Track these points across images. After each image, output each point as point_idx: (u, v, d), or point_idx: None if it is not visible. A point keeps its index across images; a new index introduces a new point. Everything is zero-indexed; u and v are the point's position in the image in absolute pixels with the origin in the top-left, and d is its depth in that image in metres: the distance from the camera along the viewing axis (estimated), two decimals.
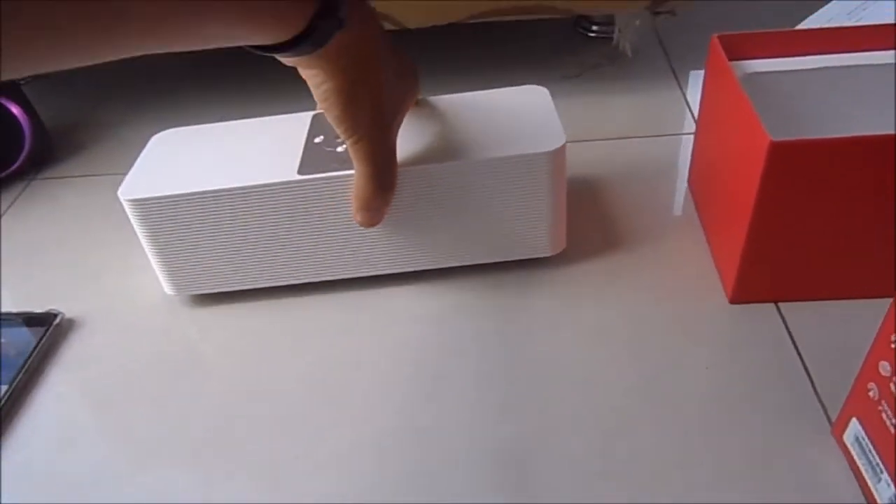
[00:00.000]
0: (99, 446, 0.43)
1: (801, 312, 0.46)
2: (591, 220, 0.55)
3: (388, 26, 0.64)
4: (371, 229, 0.48)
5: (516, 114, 0.49)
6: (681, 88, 0.70)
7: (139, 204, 0.46)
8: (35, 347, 0.49)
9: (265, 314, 0.51)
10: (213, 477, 0.41)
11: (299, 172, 0.46)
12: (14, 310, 0.53)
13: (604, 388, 0.43)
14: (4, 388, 0.47)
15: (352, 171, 0.45)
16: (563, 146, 0.46)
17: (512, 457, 0.40)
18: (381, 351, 0.47)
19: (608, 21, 0.78)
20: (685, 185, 0.58)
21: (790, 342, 0.45)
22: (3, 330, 0.51)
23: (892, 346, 0.33)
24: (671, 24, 0.79)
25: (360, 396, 0.44)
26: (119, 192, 0.47)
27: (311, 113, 0.53)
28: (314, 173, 0.46)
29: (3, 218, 0.64)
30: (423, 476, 0.40)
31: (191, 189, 0.46)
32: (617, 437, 0.41)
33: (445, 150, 0.46)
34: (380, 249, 0.49)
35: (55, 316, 0.51)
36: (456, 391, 0.44)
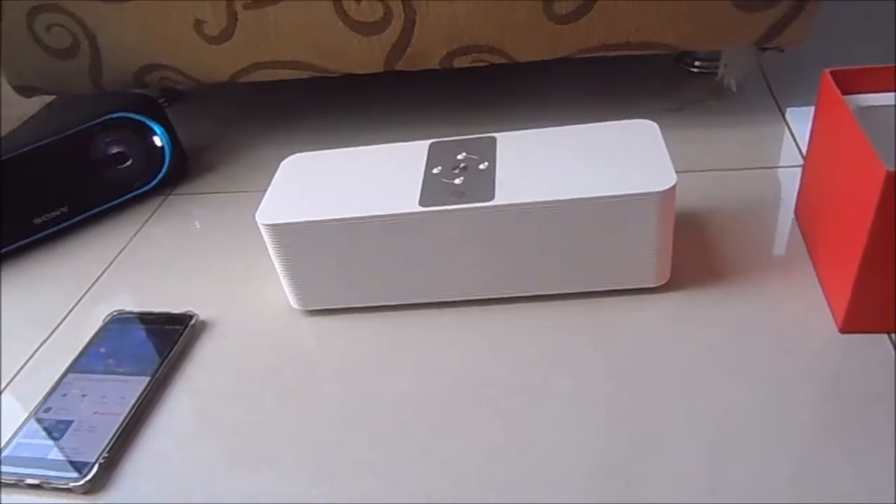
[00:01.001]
0: (223, 441, 0.48)
1: None
2: (696, 251, 0.56)
3: (499, 60, 0.68)
4: (482, 258, 0.51)
5: (627, 149, 0.52)
6: (786, 122, 0.70)
7: (275, 228, 0.51)
8: (175, 343, 0.54)
9: (382, 328, 0.54)
10: (322, 481, 0.44)
11: (420, 204, 0.50)
12: (156, 309, 0.58)
13: (708, 411, 0.44)
14: (148, 378, 0.52)
15: (469, 206, 0.48)
16: (674, 186, 0.48)
17: (617, 473, 0.42)
18: (493, 367, 0.50)
19: (711, 57, 0.79)
20: (791, 216, 0.58)
21: None
22: (149, 326, 0.57)
23: None
24: (774, 59, 0.80)
25: (468, 410, 0.47)
26: (256, 217, 0.52)
27: (428, 142, 0.57)
28: (434, 206, 0.49)
29: (144, 228, 0.70)
30: (529, 490, 0.42)
31: (321, 217, 0.50)
32: (722, 458, 0.41)
33: (559, 186, 0.49)
34: (495, 275, 0.52)
35: (191, 317, 0.57)
36: (564, 407, 0.46)
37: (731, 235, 0.57)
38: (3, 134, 0.74)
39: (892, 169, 0.40)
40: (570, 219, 0.49)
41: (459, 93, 0.84)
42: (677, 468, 0.41)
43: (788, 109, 0.72)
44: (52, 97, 0.82)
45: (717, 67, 0.77)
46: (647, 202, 0.48)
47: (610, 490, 0.41)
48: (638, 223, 0.49)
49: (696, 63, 0.81)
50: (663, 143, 0.52)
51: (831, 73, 0.49)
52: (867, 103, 0.49)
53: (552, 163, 0.52)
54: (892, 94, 0.50)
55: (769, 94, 0.76)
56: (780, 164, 0.64)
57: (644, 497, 0.40)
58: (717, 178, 0.64)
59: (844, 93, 0.50)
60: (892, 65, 0.49)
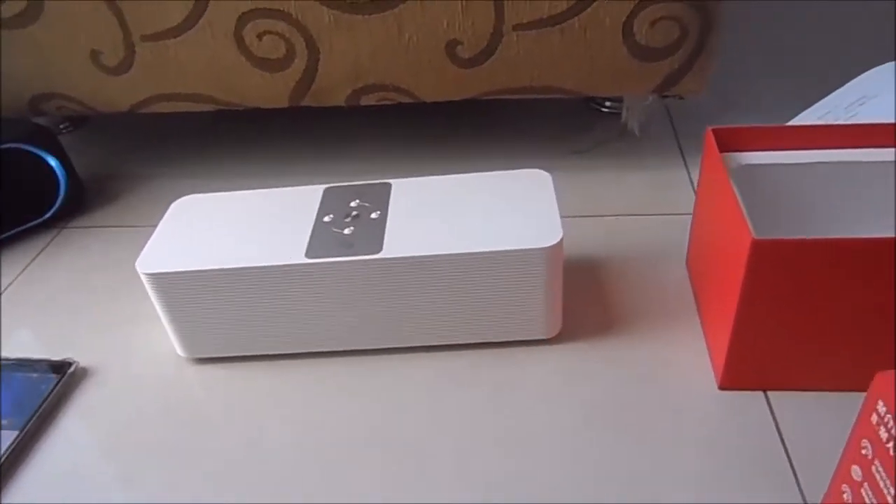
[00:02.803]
0: (100, 493, 0.45)
1: (789, 401, 0.47)
2: (589, 300, 0.57)
3: (405, 99, 0.67)
4: (370, 310, 0.50)
5: (518, 201, 0.52)
6: (687, 169, 0.72)
7: (156, 278, 0.49)
8: (49, 393, 0.52)
9: (270, 376, 0.53)
10: None
11: (307, 255, 0.49)
12: (34, 356, 0.56)
13: (588, 468, 0.44)
14: (16, 432, 0.49)
15: (356, 258, 0.48)
16: (560, 241, 0.48)
17: None
18: (376, 416, 0.49)
19: (618, 98, 0.80)
20: (683, 266, 0.59)
21: (776, 431, 0.45)
22: (22, 375, 0.54)
23: (863, 451, 0.33)
24: (681, 104, 0.82)
25: (351, 460, 0.46)
26: (136, 265, 0.50)
27: (323, 187, 0.56)
28: (320, 258, 0.48)
29: (34, 263, 0.67)
30: None
31: (204, 266, 0.49)
32: None
33: (446, 239, 0.48)
34: (380, 327, 0.51)
35: (70, 364, 0.54)
36: (445, 463, 0.45)
37: (626, 284, 0.58)
38: None
39: (760, 236, 0.40)
40: (456, 272, 0.48)
41: (367, 134, 0.84)
42: None
43: (691, 154, 0.74)
44: None
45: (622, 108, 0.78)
46: (534, 257, 0.48)
47: None
48: (525, 277, 0.49)
49: (607, 104, 0.82)
50: (553, 195, 0.52)
51: (713, 130, 0.50)
52: (748, 161, 0.50)
53: (442, 214, 0.51)
54: (776, 153, 0.51)
55: (674, 138, 0.77)
56: (678, 212, 0.65)
57: None
58: (616, 224, 0.65)
59: (728, 150, 0.51)
60: (773, 126, 0.51)
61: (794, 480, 0.42)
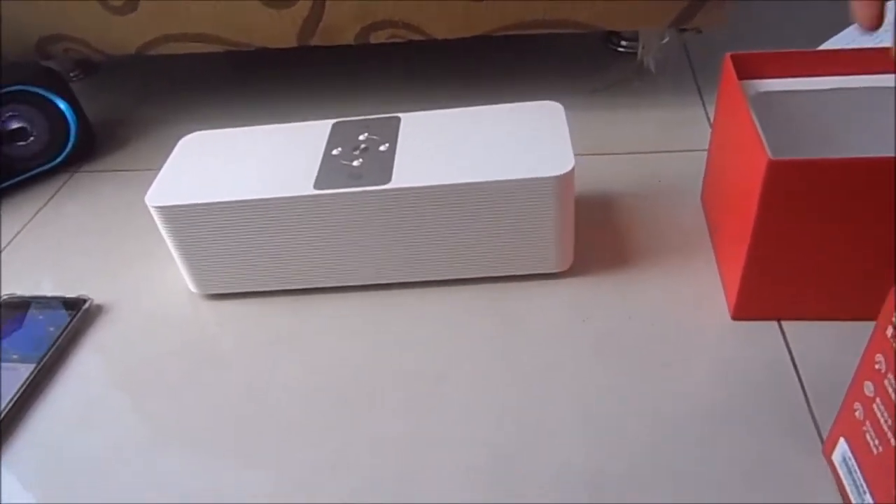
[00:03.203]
0: (113, 426, 0.46)
1: (803, 331, 0.46)
2: (604, 235, 0.56)
3: (415, 36, 0.66)
4: (380, 243, 0.50)
5: (530, 132, 0.51)
6: (703, 105, 0.70)
7: (165, 211, 0.49)
8: (64, 329, 0.52)
9: (282, 311, 0.53)
10: (219, 463, 0.43)
11: (315, 187, 0.48)
12: (50, 293, 0.56)
13: (600, 398, 0.44)
14: (34, 365, 0.50)
15: (365, 189, 0.47)
16: (572, 170, 0.47)
17: (504, 460, 0.41)
18: (389, 350, 0.49)
19: (637, 37, 0.78)
20: (698, 201, 0.58)
21: (790, 360, 0.45)
22: (40, 311, 0.54)
23: (876, 366, 0.33)
24: (700, 40, 0.79)
25: (365, 394, 0.46)
26: (146, 199, 0.50)
27: (331, 121, 0.55)
28: (329, 188, 0.48)
29: (46, 207, 0.67)
30: (413, 474, 0.41)
31: (213, 199, 0.48)
32: (609, 446, 0.41)
33: (456, 169, 0.48)
34: (394, 260, 0.51)
35: (85, 301, 0.55)
36: (459, 393, 0.45)
37: (640, 219, 0.57)
38: None
39: (774, 157, 0.39)
40: (466, 203, 0.48)
41: (378, 74, 0.82)
42: (565, 460, 0.41)
43: (709, 91, 0.72)
44: None
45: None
46: (544, 186, 0.47)
47: (495, 482, 0.40)
48: (536, 208, 0.48)
49: (623, 43, 0.80)
50: (565, 125, 0.51)
51: (732, 56, 0.49)
52: (765, 89, 0.49)
53: (453, 145, 0.50)
54: (793, 79, 0.50)
55: (691, 75, 0.75)
56: (694, 148, 0.64)
57: (526, 486, 0.40)
58: (633, 160, 0.64)
59: (746, 77, 0.49)
60: (792, 50, 0.49)
61: (806, 408, 0.42)
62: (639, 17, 0.62)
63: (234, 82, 0.84)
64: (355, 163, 0.50)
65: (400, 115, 0.55)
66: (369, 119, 0.55)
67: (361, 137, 0.53)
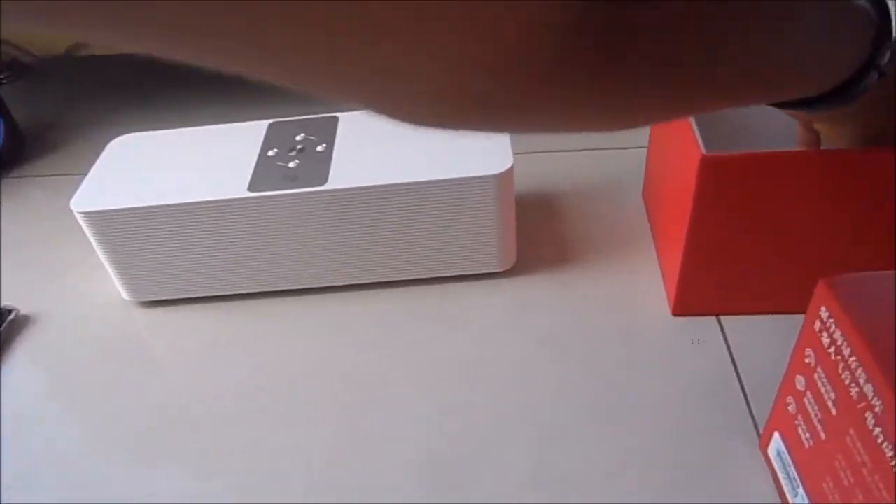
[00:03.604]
0: (43, 436, 0.44)
1: (741, 326, 0.47)
2: (546, 233, 0.56)
3: None
4: (318, 245, 0.49)
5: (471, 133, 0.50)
6: None
7: (92, 216, 0.47)
8: None
9: (216, 317, 0.51)
10: (153, 468, 0.42)
11: (249, 189, 0.47)
12: None
13: (543, 397, 0.44)
14: None
15: (300, 190, 0.46)
16: (510, 168, 0.46)
17: (445, 461, 0.41)
18: (326, 355, 0.48)
19: None
20: (640, 198, 0.58)
21: (728, 356, 0.45)
22: None
23: (806, 360, 0.33)
24: None
25: (303, 397, 0.45)
26: (71, 203, 0.48)
27: (268, 122, 0.54)
28: (264, 190, 0.46)
29: None
30: (355, 478, 0.40)
31: (142, 203, 0.47)
32: (550, 444, 0.41)
33: (394, 169, 0.47)
34: (331, 263, 0.50)
35: (10, 312, 0.52)
36: (399, 396, 0.45)
37: (582, 218, 0.57)
38: None
39: (707, 152, 0.39)
40: (405, 203, 0.47)
41: None
42: (506, 459, 0.41)
43: None
44: None
45: None
46: (483, 185, 0.46)
47: (438, 482, 0.40)
48: (475, 207, 0.47)
49: None
50: None
51: None
52: None
53: (391, 145, 0.49)
54: None
55: None
56: (636, 145, 0.64)
57: (466, 487, 0.39)
58: (572, 159, 0.64)
59: None
60: None
61: (744, 403, 0.42)
62: None
63: (165, 83, 0.82)
64: (291, 164, 0.49)
65: (338, 114, 0.54)
66: (307, 119, 0.54)
67: (298, 138, 0.52)
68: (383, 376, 0.46)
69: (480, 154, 0.48)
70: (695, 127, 0.42)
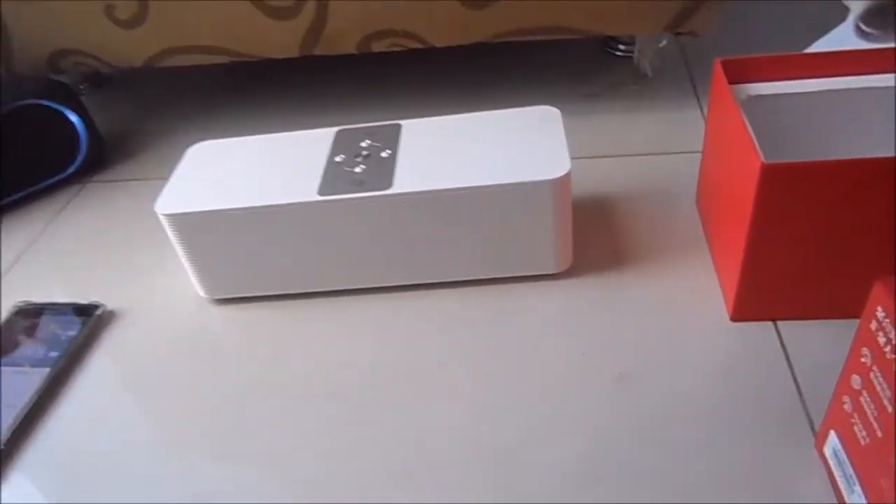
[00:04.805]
0: (125, 429, 0.48)
1: (798, 330, 0.47)
2: (600, 237, 0.57)
3: (415, 45, 0.67)
4: (383, 247, 0.51)
5: (527, 136, 0.52)
6: (700, 108, 0.71)
7: (174, 218, 0.51)
8: (77, 335, 0.54)
9: (286, 314, 0.54)
10: (227, 464, 0.45)
11: (319, 193, 0.49)
12: (63, 300, 0.58)
13: (599, 397, 0.45)
14: (49, 370, 0.51)
15: (367, 194, 0.49)
16: (568, 173, 0.48)
17: (505, 459, 0.42)
18: (393, 352, 0.50)
19: (632, 40, 0.79)
20: (693, 203, 0.59)
21: (784, 359, 0.46)
22: (54, 317, 0.56)
23: (862, 360, 0.34)
24: (698, 43, 0.80)
25: (369, 394, 0.47)
26: (155, 207, 0.51)
27: (335, 129, 0.57)
28: (332, 194, 0.49)
29: (59, 217, 0.69)
30: (413, 474, 0.42)
31: (220, 206, 0.50)
32: (608, 444, 0.42)
33: (456, 174, 0.49)
34: (396, 264, 0.53)
35: (97, 307, 0.56)
36: (456, 394, 0.47)
37: (636, 221, 0.58)
38: None
39: (767, 161, 0.40)
40: (466, 207, 0.49)
41: (381, 81, 0.84)
42: (563, 456, 0.42)
43: (703, 96, 0.73)
44: None
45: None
46: (542, 189, 0.48)
47: (498, 479, 0.42)
48: (534, 211, 0.49)
49: (621, 47, 0.81)
50: (562, 129, 0.52)
51: (721, 62, 0.50)
52: (756, 92, 0.50)
53: (453, 151, 0.52)
54: (784, 82, 0.51)
55: (688, 78, 0.77)
56: (690, 150, 0.65)
57: (528, 483, 0.41)
58: (628, 164, 0.65)
59: (736, 81, 0.51)
60: (781, 54, 0.50)
61: (800, 404, 0.43)
62: (633, 21, 0.64)
63: (237, 92, 0.86)
64: (357, 169, 0.51)
65: (401, 122, 0.56)
66: (371, 127, 0.56)
67: (363, 144, 0.54)
68: (445, 374, 0.48)
69: (539, 159, 0.50)
70: (751, 134, 0.43)
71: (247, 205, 0.50)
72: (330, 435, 0.45)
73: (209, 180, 0.53)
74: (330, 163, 0.53)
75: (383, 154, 0.53)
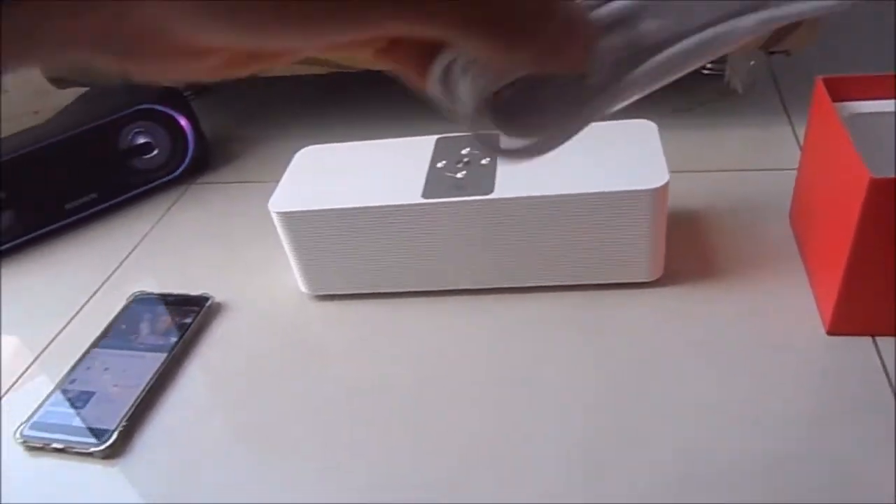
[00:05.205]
0: (231, 416, 0.51)
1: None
2: (691, 249, 0.58)
3: None
4: (482, 249, 0.53)
5: (625, 148, 0.53)
6: (791, 124, 0.71)
7: (286, 216, 0.54)
8: (191, 323, 0.58)
9: (384, 313, 0.57)
10: (319, 456, 0.47)
11: (423, 196, 0.52)
12: (175, 291, 0.62)
13: (692, 406, 0.46)
14: (165, 355, 0.55)
15: (468, 198, 0.51)
16: (666, 184, 0.49)
17: (595, 461, 0.44)
18: (485, 354, 0.52)
19: (721, 59, 0.80)
20: (786, 219, 0.59)
21: (883, 374, 0.46)
22: (167, 307, 0.60)
23: None
24: (785, 61, 0.80)
25: (460, 393, 0.49)
26: (269, 205, 0.55)
27: (435, 137, 0.59)
28: (435, 197, 0.52)
29: (167, 215, 0.74)
30: (507, 472, 0.44)
31: (330, 206, 0.53)
32: (700, 453, 0.43)
33: (555, 181, 0.51)
34: (493, 266, 0.55)
35: (207, 299, 0.60)
36: (551, 394, 0.48)
37: (727, 235, 0.59)
38: (40, 123, 0.78)
39: (876, 176, 0.41)
40: (564, 213, 0.51)
41: None
42: (656, 463, 0.43)
43: (796, 111, 0.73)
44: (85, 89, 0.86)
45: (724, 69, 0.78)
46: (640, 199, 0.50)
47: (589, 481, 0.43)
48: (631, 219, 0.51)
49: (708, 65, 0.82)
50: (659, 143, 0.53)
51: (824, 80, 0.50)
52: (858, 110, 0.50)
53: (552, 159, 0.53)
54: (883, 101, 0.51)
55: (777, 96, 0.77)
56: (781, 167, 0.65)
57: (620, 486, 0.42)
58: (719, 179, 0.66)
59: (837, 100, 0.51)
60: (884, 73, 0.50)
61: None
62: None
63: (329, 102, 0.90)
64: (459, 174, 0.54)
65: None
66: (470, 135, 0.58)
67: (464, 152, 0.57)
68: (536, 380, 0.50)
69: (637, 169, 0.51)
70: (856, 149, 0.44)
71: (354, 205, 0.53)
72: (421, 432, 0.47)
73: (318, 182, 0.56)
74: (432, 168, 0.55)
75: (483, 161, 0.55)
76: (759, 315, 0.51)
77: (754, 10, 0.21)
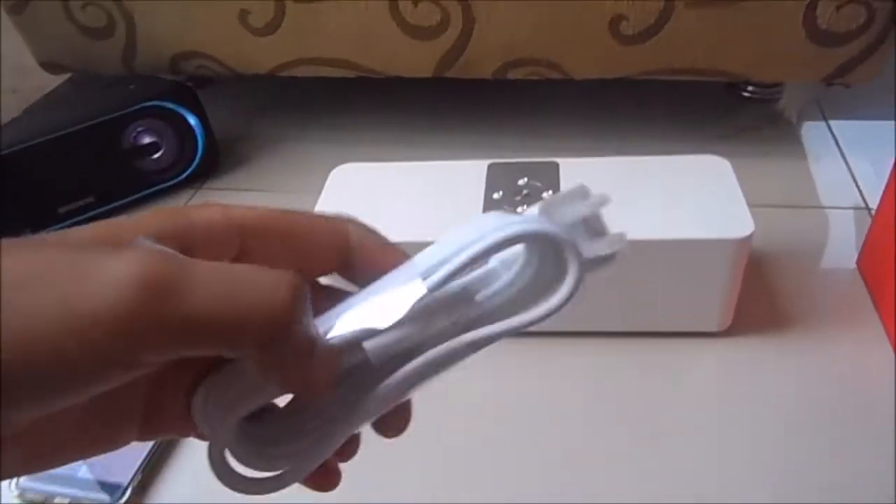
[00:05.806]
0: None
1: None
2: (755, 295, 0.54)
3: (555, 75, 0.65)
4: None
5: (698, 188, 0.49)
6: (844, 159, 0.68)
7: None
8: None
9: None
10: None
11: None
12: None
13: (764, 464, 0.43)
14: None
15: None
16: (751, 234, 0.45)
17: None
18: (546, 398, 0.48)
19: (766, 84, 0.76)
20: (853, 264, 0.56)
21: None
22: None
23: None
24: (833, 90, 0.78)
25: (517, 435, 0.46)
26: None
27: (486, 163, 0.54)
28: None
29: None
30: None
31: None
32: None
33: (629, 224, 0.46)
34: None
35: None
36: (612, 444, 0.45)
37: (791, 279, 0.55)
38: (24, 108, 0.70)
39: None
40: (639, 258, 0.47)
41: (500, 107, 0.81)
42: None
43: (847, 147, 0.70)
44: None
45: (772, 94, 0.75)
46: (724, 248, 0.46)
47: None
48: (709, 269, 0.47)
49: (750, 88, 0.79)
50: (737, 184, 0.50)
51: None
52: None
53: (621, 198, 0.49)
54: None
55: (825, 126, 0.73)
56: (839, 206, 0.62)
57: None
58: (773, 214, 0.62)
59: None
60: None
61: None
62: (795, 69, 0.61)
63: (350, 105, 0.84)
64: (519, 209, 0.49)
65: (558, 160, 0.54)
66: (526, 163, 0.54)
67: (521, 182, 0.52)
68: (601, 429, 0.46)
69: (717, 214, 0.47)
70: None
71: (409, 239, 0.47)
72: (469, 481, 0.43)
73: (360, 208, 0.51)
74: (488, 199, 0.51)
75: (545, 195, 0.50)
76: (834, 369, 0.48)
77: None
